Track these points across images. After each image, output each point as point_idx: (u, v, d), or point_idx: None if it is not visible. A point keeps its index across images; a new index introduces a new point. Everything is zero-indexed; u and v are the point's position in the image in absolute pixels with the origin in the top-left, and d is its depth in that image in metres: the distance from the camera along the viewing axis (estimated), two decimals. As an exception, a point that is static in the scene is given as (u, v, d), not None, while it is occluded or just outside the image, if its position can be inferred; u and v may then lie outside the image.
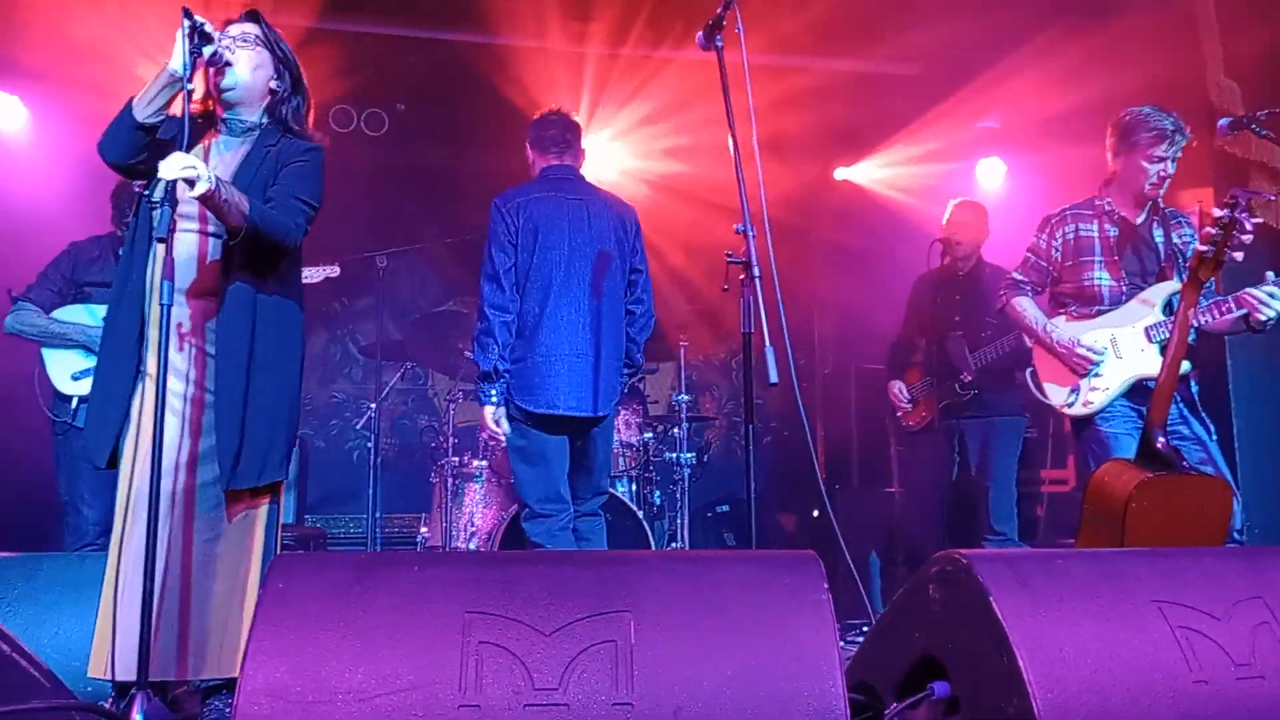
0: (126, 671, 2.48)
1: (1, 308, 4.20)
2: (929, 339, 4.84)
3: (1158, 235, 3.58)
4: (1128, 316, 3.50)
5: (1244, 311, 3.31)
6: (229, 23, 2.81)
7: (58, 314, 4.12)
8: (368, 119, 6.58)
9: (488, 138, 6.59)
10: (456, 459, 5.36)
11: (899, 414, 5.10)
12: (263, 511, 2.75)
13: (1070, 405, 3.53)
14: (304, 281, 5.08)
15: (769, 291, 2.69)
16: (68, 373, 4.10)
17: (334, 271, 5.29)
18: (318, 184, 2.82)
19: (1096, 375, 3.48)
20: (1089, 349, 3.46)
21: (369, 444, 5.73)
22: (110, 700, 2.56)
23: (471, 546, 5.20)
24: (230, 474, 2.61)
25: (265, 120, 2.84)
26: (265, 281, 2.72)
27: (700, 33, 2.96)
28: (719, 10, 2.84)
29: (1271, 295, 3.24)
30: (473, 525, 5.27)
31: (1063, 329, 3.57)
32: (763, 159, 2.79)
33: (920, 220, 6.34)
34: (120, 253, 3.90)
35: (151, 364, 2.61)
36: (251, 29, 2.81)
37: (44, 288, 4.18)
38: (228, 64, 2.71)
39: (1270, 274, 3.27)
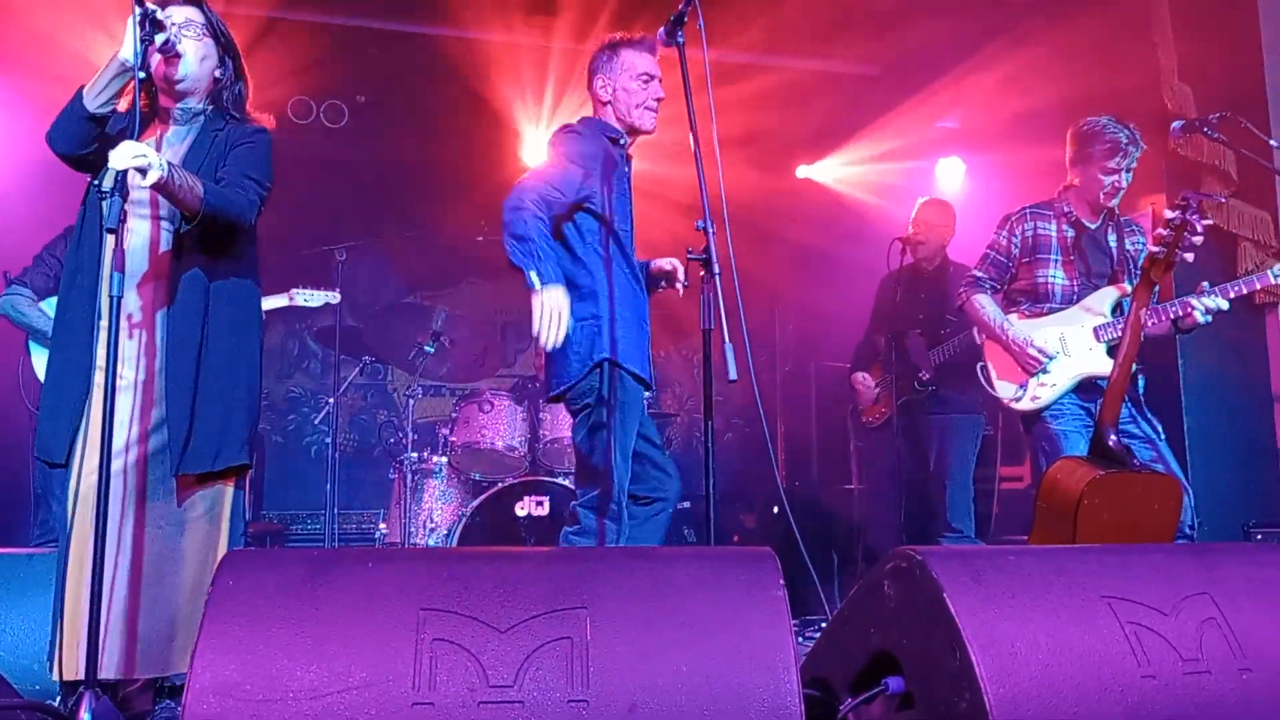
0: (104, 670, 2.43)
1: None
2: (889, 337, 4.88)
3: (1111, 240, 3.67)
4: (1077, 316, 3.57)
5: (1177, 315, 3.40)
6: (166, 3, 2.75)
7: (45, 305, 4.05)
8: (327, 110, 6.51)
9: (449, 131, 6.56)
10: (416, 455, 5.32)
11: (859, 410, 5.13)
12: (228, 501, 2.70)
13: (1018, 400, 3.60)
14: (304, 305, 5.09)
15: (729, 289, 2.69)
16: None
17: (334, 298, 5.31)
18: (267, 164, 2.78)
19: (1045, 372, 3.54)
20: (1040, 350, 3.53)
21: (327, 439, 5.68)
22: (58, 699, 2.51)
23: (431, 543, 5.17)
24: (180, 458, 2.56)
25: (209, 107, 2.79)
26: (219, 263, 2.68)
27: (662, 29, 2.95)
28: (681, 6, 2.84)
29: (1205, 305, 3.34)
30: (432, 522, 5.24)
31: (1018, 327, 3.63)
32: (724, 156, 2.79)
33: (881, 219, 6.39)
34: None
35: (102, 356, 2.57)
36: (196, 16, 2.74)
37: (39, 271, 4.10)
38: (178, 54, 2.66)
39: (1205, 284, 3.39)
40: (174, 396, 2.57)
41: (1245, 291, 3.38)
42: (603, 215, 3.14)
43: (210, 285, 2.65)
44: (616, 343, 3.08)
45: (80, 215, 2.69)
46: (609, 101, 3.24)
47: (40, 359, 4.06)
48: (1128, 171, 3.57)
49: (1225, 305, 3.34)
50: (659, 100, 3.22)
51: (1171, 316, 3.40)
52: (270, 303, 5.00)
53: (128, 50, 2.47)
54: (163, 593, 2.55)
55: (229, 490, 2.70)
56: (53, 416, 2.59)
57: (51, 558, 2.73)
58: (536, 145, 6.68)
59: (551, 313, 2.77)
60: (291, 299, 5.10)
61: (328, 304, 5.27)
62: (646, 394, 3.20)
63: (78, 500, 2.52)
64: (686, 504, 6.64)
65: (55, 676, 2.47)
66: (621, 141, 3.23)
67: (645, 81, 3.20)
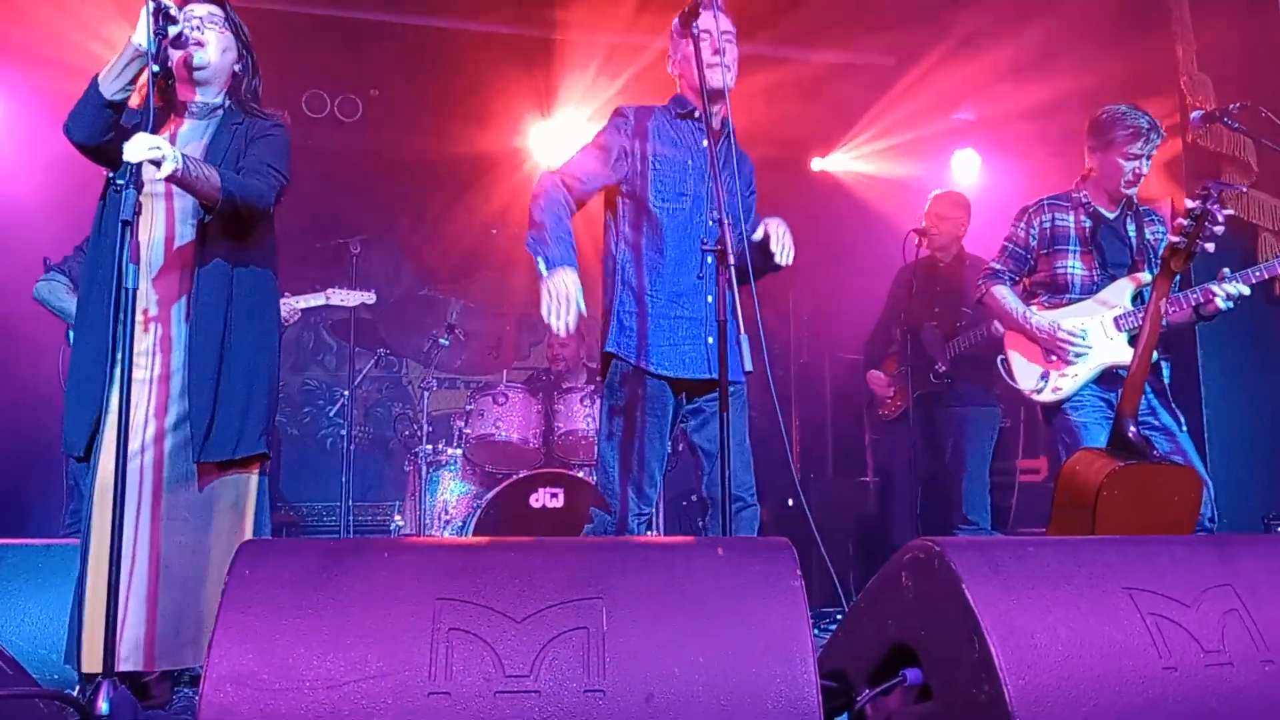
0: (124, 661, 2.46)
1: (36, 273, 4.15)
2: (904, 329, 4.86)
3: (1130, 230, 3.63)
4: (1097, 306, 3.53)
5: (1199, 302, 3.37)
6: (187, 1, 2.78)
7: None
8: (341, 104, 6.52)
9: (462, 124, 6.56)
10: (431, 447, 5.33)
11: (875, 403, 5.11)
12: (253, 491, 2.72)
13: (1039, 391, 3.57)
14: (340, 304, 5.11)
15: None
16: None
17: (370, 298, 5.34)
18: (286, 155, 2.82)
19: (1074, 360, 3.51)
20: (1070, 333, 3.48)
21: (342, 431, 5.69)
22: (77, 688, 2.53)
23: (446, 535, 5.18)
24: (202, 445, 2.58)
25: (227, 101, 2.82)
26: (238, 253, 2.70)
27: (676, 19, 2.95)
28: (695, -3, 2.82)
29: (1227, 291, 3.32)
30: (447, 514, 5.25)
31: (1041, 316, 3.60)
32: (738, 148, 2.78)
33: (896, 211, 6.36)
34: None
35: (118, 348, 2.58)
36: (218, 11, 2.79)
37: (78, 261, 4.10)
38: (197, 44, 2.68)
39: (1225, 270, 3.35)
40: (198, 388, 2.59)
41: (1267, 277, 3.35)
42: (640, 197, 3.02)
43: (233, 274, 2.67)
44: (627, 336, 3.00)
45: (99, 210, 2.71)
46: (681, 74, 3.16)
47: None
48: (1148, 159, 3.54)
49: (1247, 290, 3.32)
50: (717, 51, 2.96)
51: (1193, 303, 3.37)
52: (307, 301, 5.01)
53: (140, 35, 2.48)
54: (187, 584, 2.57)
55: (253, 480, 2.72)
56: (75, 410, 2.60)
57: (71, 549, 2.75)
58: (547, 138, 6.68)
59: (556, 296, 2.66)
60: (329, 298, 5.12)
61: (363, 304, 5.29)
62: (712, 392, 3.05)
63: (95, 494, 2.53)
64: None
65: (76, 668, 2.49)
66: (697, 114, 3.10)
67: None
